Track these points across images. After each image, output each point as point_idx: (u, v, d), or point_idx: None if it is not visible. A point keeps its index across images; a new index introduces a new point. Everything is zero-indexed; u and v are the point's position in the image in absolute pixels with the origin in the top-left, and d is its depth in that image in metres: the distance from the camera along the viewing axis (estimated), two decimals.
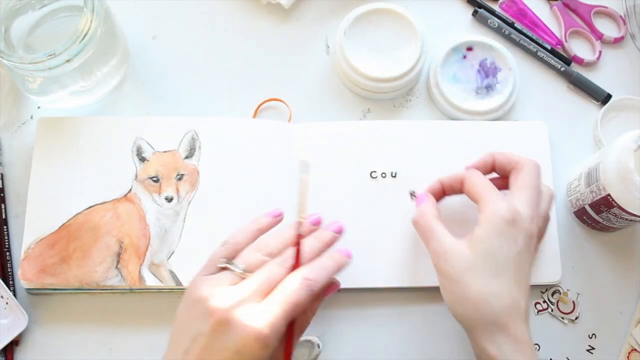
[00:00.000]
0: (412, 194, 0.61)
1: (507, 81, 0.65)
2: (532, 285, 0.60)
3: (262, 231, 0.53)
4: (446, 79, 0.66)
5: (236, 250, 0.52)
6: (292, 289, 0.47)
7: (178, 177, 0.62)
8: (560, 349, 0.60)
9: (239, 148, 0.62)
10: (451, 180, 0.57)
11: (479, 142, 0.63)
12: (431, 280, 0.60)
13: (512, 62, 0.66)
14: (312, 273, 0.48)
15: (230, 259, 0.51)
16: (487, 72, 0.66)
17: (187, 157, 0.62)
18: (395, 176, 0.62)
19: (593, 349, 0.60)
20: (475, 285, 0.49)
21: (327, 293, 0.55)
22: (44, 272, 0.58)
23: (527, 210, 0.51)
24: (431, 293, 0.60)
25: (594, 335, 0.60)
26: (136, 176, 0.61)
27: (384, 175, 0.62)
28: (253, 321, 0.44)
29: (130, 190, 0.61)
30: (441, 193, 0.58)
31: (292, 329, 0.49)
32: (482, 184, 0.54)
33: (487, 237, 0.50)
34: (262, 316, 0.45)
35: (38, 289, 0.59)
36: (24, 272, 0.58)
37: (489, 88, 0.66)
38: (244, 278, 0.49)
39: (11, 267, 0.60)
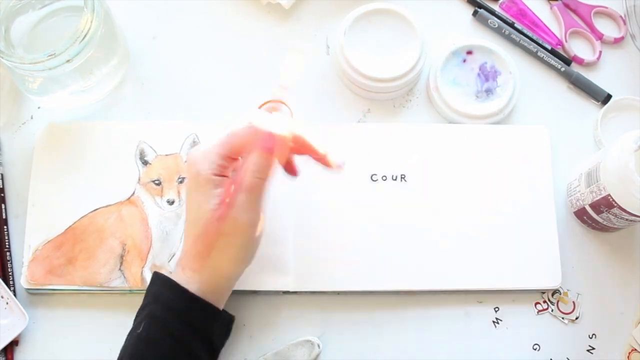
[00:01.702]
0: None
1: (507, 85, 0.65)
2: (531, 289, 0.60)
3: None
4: (446, 83, 0.66)
5: None
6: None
7: (180, 180, 0.62)
8: (560, 349, 0.60)
9: None
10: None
11: (480, 146, 0.63)
12: (430, 284, 0.60)
13: (512, 66, 0.66)
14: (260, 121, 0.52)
15: None
16: (487, 75, 0.66)
17: None
18: (405, 180, 0.62)
19: (593, 349, 0.60)
20: None
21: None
22: (51, 274, 0.59)
23: None
24: (430, 296, 0.60)
25: (594, 335, 0.60)
26: (139, 179, 0.62)
27: (384, 178, 0.62)
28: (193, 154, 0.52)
29: (134, 193, 0.62)
30: None
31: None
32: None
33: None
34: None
35: (38, 289, 0.59)
36: (32, 274, 0.59)
37: (489, 92, 0.66)
38: None
39: (11, 267, 0.60)
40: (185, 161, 0.53)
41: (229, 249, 0.52)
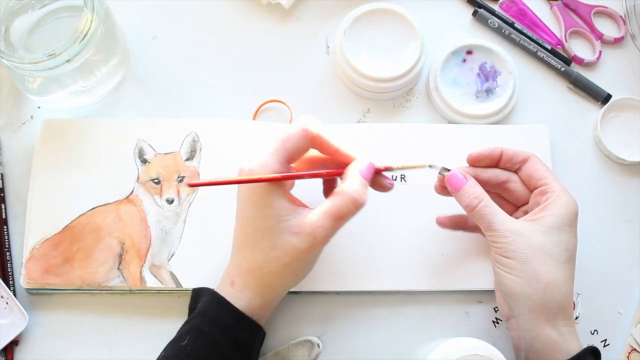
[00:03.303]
0: (445, 170, 0.56)
1: (507, 85, 0.65)
2: None
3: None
4: (446, 83, 0.66)
5: None
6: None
7: (179, 179, 0.62)
8: None
9: (240, 150, 0.62)
10: (487, 157, 0.57)
11: (480, 146, 0.63)
12: (430, 284, 0.60)
13: (512, 66, 0.66)
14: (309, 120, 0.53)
15: None
16: (487, 75, 0.66)
17: (188, 159, 0.62)
18: (405, 180, 0.62)
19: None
20: (548, 270, 0.51)
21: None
22: (48, 272, 0.58)
23: None
24: (430, 296, 0.60)
25: (595, 332, 0.60)
26: (138, 178, 0.62)
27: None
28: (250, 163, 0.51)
29: (132, 192, 0.61)
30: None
31: None
32: (548, 170, 0.56)
33: (561, 225, 0.53)
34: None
35: (38, 289, 0.59)
36: (29, 272, 0.58)
37: (488, 92, 0.66)
38: None
39: (11, 267, 0.60)
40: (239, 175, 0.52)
41: (292, 268, 0.51)
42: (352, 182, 0.50)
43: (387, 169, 0.53)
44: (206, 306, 0.52)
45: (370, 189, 0.52)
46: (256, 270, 0.52)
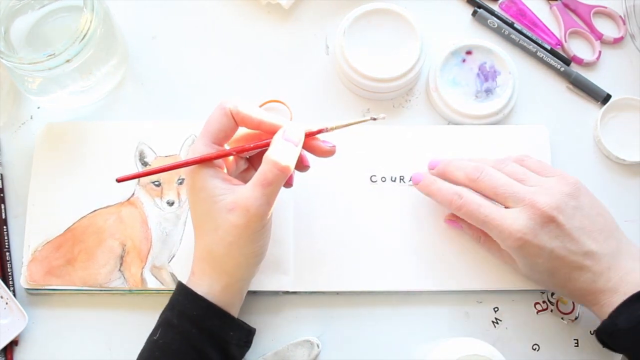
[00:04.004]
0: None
1: (506, 85, 0.65)
2: (530, 289, 0.60)
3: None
4: (445, 83, 0.66)
5: None
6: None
7: (179, 181, 0.62)
8: (560, 349, 0.60)
9: None
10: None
11: (480, 146, 0.63)
12: (430, 285, 0.60)
13: (512, 66, 0.66)
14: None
15: None
16: (487, 75, 0.66)
17: None
18: (404, 181, 0.62)
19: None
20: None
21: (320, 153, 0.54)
22: (50, 274, 0.59)
23: None
24: (430, 296, 0.60)
25: (594, 333, 0.60)
26: (139, 180, 0.62)
27: (383, 179, 0.62)
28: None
29: (133, 194, 0.62)
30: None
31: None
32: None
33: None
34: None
35: (38, 289, 0.59)
36: (31, 274, 0.59)
37: (488, 92, 0.66)
38: None
39: (11, 267, 0.60)
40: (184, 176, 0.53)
41: (237, 246, 0.51)
42: (273, 148, 0.50)
43: (321, 131, 0.52)
44: (174, 298, 0.53)
45: (313, 156, 0.53)
46: (207, 255, 0.52)
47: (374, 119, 0.53)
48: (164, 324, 0.52)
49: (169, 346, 0.50)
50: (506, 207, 0.55)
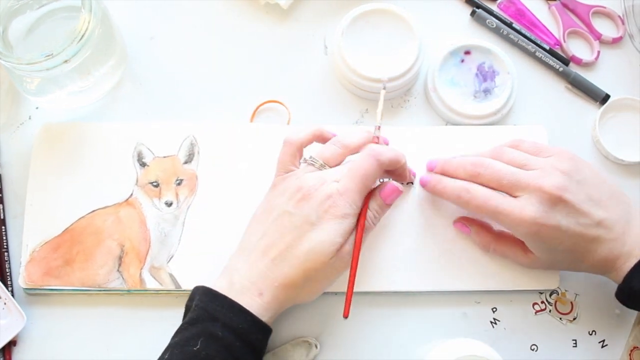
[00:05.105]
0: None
1: (505, 85, 0.65)
2: (528, 289, 0.60)
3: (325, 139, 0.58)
4: (444, 83, 0.66)
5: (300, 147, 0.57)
6: (360, 160, 0.54)
7: (177, 182, 0.62)
8: (558, 349, 0.60)
9: (238, 153, 0.63)
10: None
11: (479, 147, 0.63)
12: (429, 285, 0.60)
13: (510, 66, 0.66)
14: (377, 148, 0.55)
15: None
16: (485, 75, 0.66)
17: (186, 162, 0.62)
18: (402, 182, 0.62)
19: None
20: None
21: (388, 197, 0.57)
22: (48, 275, 0.59)
23: None
24: (428, 296, 0.60)
25: (594, 332, 0.60)
26: (137, 181, 0.62)
27: (382, 180, 0.62)
28: (330, 189, 0.52)
29: (132, 195, 0.62)
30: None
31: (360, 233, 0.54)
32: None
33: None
34: (336, 185, 0.53)
35: (36, 289, 0.59)
36: (29, 275, 0.59)
37: (487, 92, 0.66)
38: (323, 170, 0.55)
39: (9, 268, 0.60)
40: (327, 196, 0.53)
41: (321, 282, 0.54)
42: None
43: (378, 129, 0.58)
44: (216, 310, 0.51)
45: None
46: (291, 287, 0.52)
47: (384, 88, 0.60)
48: (205, 334, 0.50)
49: (213, 358, 0.49)
50: (513, 196, 0.55)
